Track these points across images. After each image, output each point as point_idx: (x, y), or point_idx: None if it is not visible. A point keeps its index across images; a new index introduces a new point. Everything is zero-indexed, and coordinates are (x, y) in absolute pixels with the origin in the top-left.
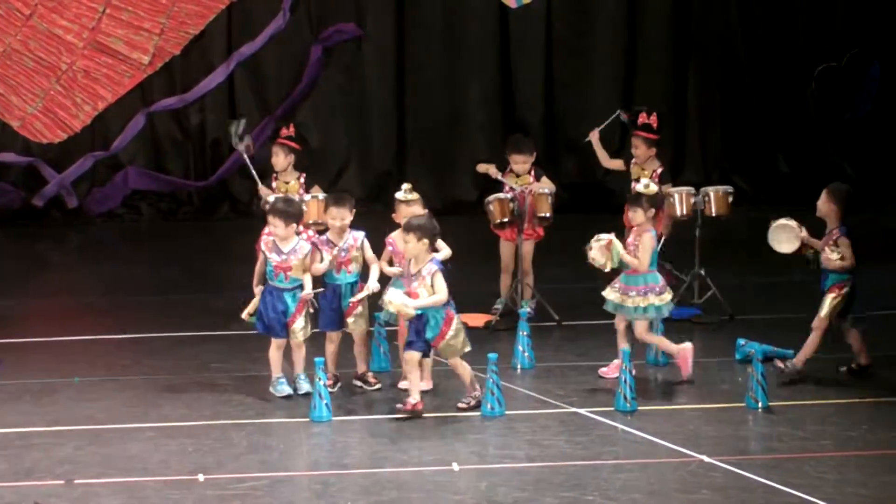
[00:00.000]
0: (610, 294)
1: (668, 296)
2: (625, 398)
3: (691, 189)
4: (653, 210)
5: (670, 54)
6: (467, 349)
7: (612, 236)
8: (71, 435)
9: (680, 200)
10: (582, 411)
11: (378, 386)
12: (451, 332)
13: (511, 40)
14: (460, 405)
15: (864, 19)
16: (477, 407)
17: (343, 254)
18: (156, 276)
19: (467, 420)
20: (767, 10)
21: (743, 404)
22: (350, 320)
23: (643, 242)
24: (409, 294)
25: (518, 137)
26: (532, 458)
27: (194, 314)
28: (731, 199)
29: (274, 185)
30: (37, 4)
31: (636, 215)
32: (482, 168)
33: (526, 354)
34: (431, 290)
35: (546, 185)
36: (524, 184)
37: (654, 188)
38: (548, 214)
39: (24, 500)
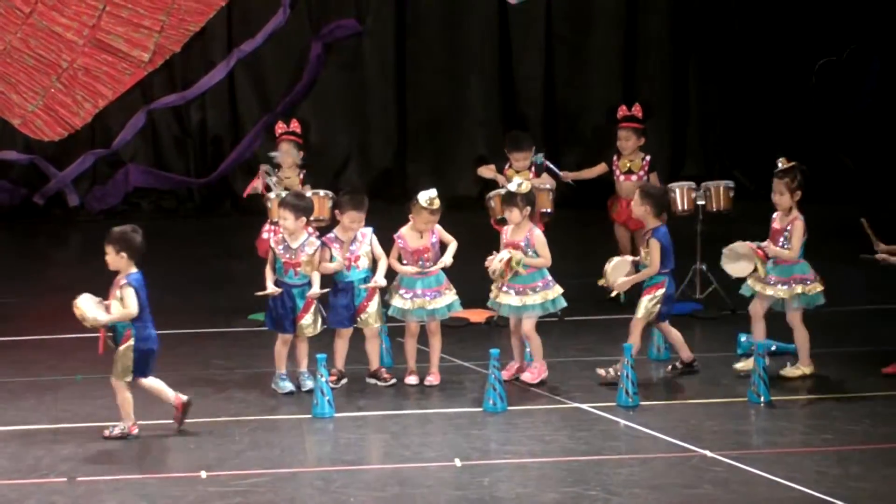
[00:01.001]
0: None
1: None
2: (627, 393)
3: (692, 184)
4: (528, 208)
5: (670, 49)
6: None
7: (513, 253)
8: (73, 432)
9: (681, 195)
10: (584, 406)
11: (393, 381)
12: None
13: (511, 36)
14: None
15: (864, 14)
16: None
17: (352, 250)
18: (157, 273)
19: (469, 416)
20: (767, 4)
21: (745, 399)
22: (362, 316)
23: (536, 239)
24: None
25: (516, 134)
26: (534, 453)
27: (195, 311)
28: (732, 193)
29: (275, 179)
30: (37, 2)
31: (512, 215)
32: (486, 174)
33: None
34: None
35: (547, 181)
36: (524, 178)
37: (526, 186)
38: (549, 210)
39: (26, 498)
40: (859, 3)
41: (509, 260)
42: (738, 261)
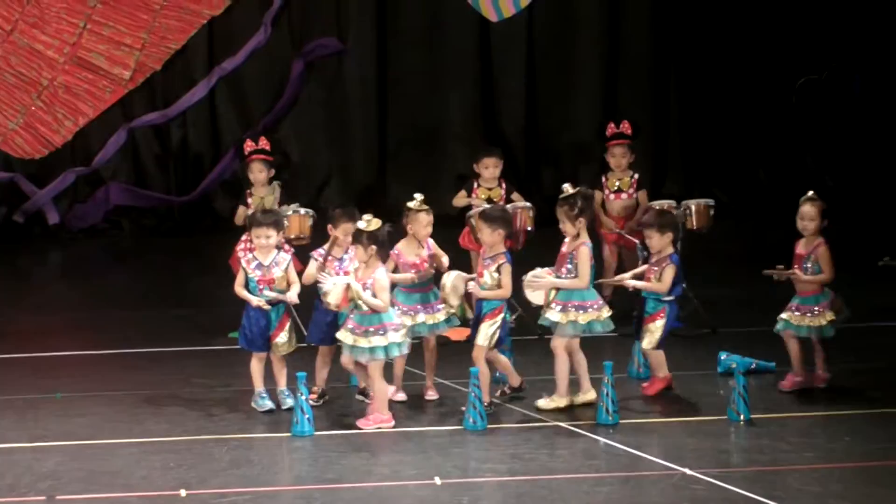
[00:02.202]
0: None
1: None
2: (606, 411)
3: (672, 202)
4: (374, 247)
5: (651, 67)
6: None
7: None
8: (53, 451)
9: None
10: (564, 424)
11: None
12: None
13: (492, 53)
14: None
15: (844, 33)
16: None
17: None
18: (138, 291)
19: (449, 434)
20: (748, 23)
21: (725, 417)
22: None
23: (378, 281)
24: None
25: (484, 144)
26: (514, 471)
27: (176, 329)
28: (712, 211)
29: (249, 200)
30: (17, 20)
31: (359, 252)
32: (460, 203)
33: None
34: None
35: (523, 200)
36: (496, 197)
37: (375, 224)
38: (530, 228)
39: None
40: (840, 21)
41: (347, 286)
42: (537, 289)
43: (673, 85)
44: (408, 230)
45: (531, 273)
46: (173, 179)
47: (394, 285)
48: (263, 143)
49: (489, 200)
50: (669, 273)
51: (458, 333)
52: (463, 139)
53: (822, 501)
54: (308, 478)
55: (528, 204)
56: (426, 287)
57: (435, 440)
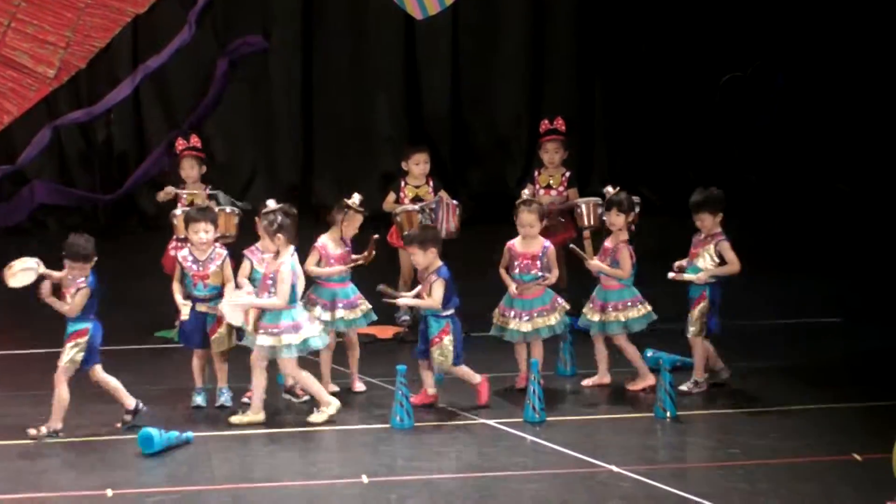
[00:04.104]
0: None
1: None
2: (533, 409)
3: (598, 200)
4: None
5: (576, 65)
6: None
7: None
8: None
9: (587, 211)
10: (491, 422)
11: (305, 398)
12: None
13: (418, 53)
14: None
15: (768, 31)
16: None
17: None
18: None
19: (376, 432)
20: (673, 21)
21: (651, 414)
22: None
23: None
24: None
25: (411, 142)
26: (442, 469)
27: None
28: (638, 209)
29: (181, 204)
30: None
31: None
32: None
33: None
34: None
35: (448, 198)
36: (424, 194)
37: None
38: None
39: None
40: (764, 20)
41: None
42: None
43: (598, 83)
44: (338, 225)
45: (229, 293)
46: (98, 177)
47: (311, 280)
48: (195, 141)
49: (417, 199)
50: (438, 287)
51: (383, 331)
52: (388, 137)
53: (748, 499)
54: (235, 476)
55: (456, 202)
56: (344, 283)
57: (362, 438)
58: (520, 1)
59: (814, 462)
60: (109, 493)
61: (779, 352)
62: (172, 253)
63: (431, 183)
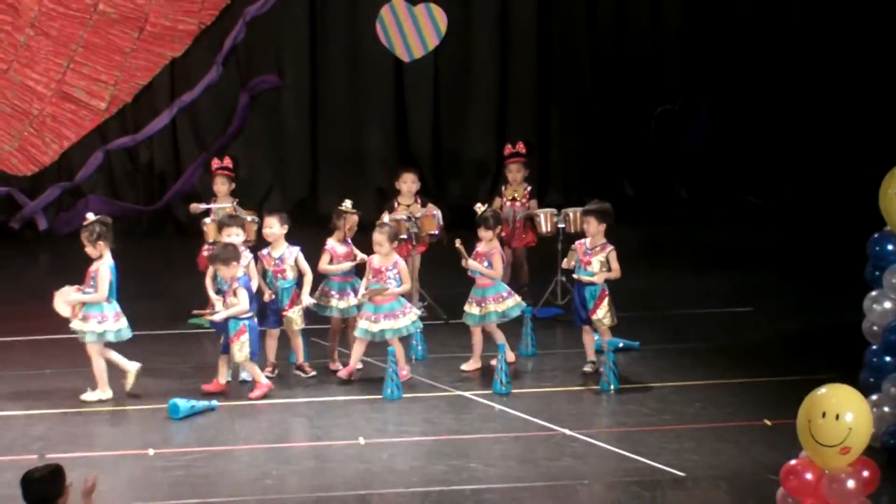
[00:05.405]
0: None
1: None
2: (501, 383)
3: (554, 210)
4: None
5: (536, 98)
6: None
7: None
8: (43, 417)
9: (545, 219)
10: (466, 394)
11: (313, 374)
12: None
13: (405, 88)
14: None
15: (694, 70)
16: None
17: (279, 263)
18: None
19: (371, 402)
20: (616, 63)
21: (598, 387)
22: (286, 318)
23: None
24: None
25: (402, 163)
26: (425, 432)
27: (144, 316)
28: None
29: (212, 215)
30: (13, 60)
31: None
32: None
33: (419, 347)
34: None
35: (434, 208)
36: (415, 211)
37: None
38: (436, 232)
39: (2, 472)
40: (691, 61)
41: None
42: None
43: (554, 114)
44: (340, 228)
45: (60, 291)
46: (142, 192)
47: (324, 276)
48: (227, 162)
49: (408, 219)
50: (241, 294)
51: None
52: (382, 159)
53: (678, 456)
54: (253, 439)
55: (437, 212)
56: (348, 276)
57: (359, 407)
58: (489, 47)
59: (732, 426)
60: (151, 452)
61: (703, 335)
62: (206, 254)
63: (419, 200)
